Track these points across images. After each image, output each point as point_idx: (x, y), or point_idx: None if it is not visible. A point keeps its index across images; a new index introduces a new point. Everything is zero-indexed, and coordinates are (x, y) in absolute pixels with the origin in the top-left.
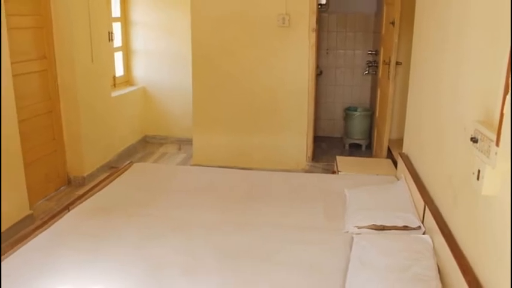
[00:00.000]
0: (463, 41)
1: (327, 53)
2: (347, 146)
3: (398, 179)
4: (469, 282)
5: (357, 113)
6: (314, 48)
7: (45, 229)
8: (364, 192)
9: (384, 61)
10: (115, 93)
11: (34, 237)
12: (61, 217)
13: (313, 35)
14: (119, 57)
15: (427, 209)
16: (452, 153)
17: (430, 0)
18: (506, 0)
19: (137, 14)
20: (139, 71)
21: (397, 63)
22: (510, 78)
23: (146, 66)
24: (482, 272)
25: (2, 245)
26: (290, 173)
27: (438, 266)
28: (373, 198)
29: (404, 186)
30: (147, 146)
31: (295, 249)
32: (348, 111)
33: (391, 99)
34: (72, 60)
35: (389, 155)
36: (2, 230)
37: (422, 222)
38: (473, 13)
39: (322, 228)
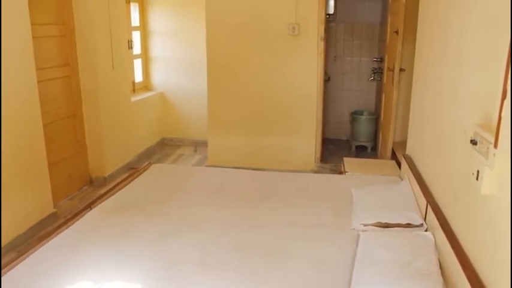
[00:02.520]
0: (463, 49)
1: (335, 60)
2: (353, 148)
3: (401, 179)
4: (468, 277)
5: (363, 117)
6: (322, 56)
7: (68, 227)
8: (369, 191)
9: (388, 68)
10: (134, 98)
11: (57, 234)
12: (83, 215)
13: (322, 43)
14: (138, 64)
15: (429, 207)
16: (453, 154)
17: (432, 11)
18: (504, 12)
19: (155, 24)
20: (158, 77)
21: (401, 69)
22: (508, 84)
23: (164, 72)
24: (481, 267)
25: (27, 242)
26: (299, 173)
27: (439, 261)
28: (378, 197)
29: (408, 186)
30: (164, 147)
31: (305, 246)
32: (354, 115)
33: (395, 103)
34: (93, 67)
35: (394, 156)
36: (27, 227)
37: (425, 219)
38: (473, 23)
39: (330, 225)
